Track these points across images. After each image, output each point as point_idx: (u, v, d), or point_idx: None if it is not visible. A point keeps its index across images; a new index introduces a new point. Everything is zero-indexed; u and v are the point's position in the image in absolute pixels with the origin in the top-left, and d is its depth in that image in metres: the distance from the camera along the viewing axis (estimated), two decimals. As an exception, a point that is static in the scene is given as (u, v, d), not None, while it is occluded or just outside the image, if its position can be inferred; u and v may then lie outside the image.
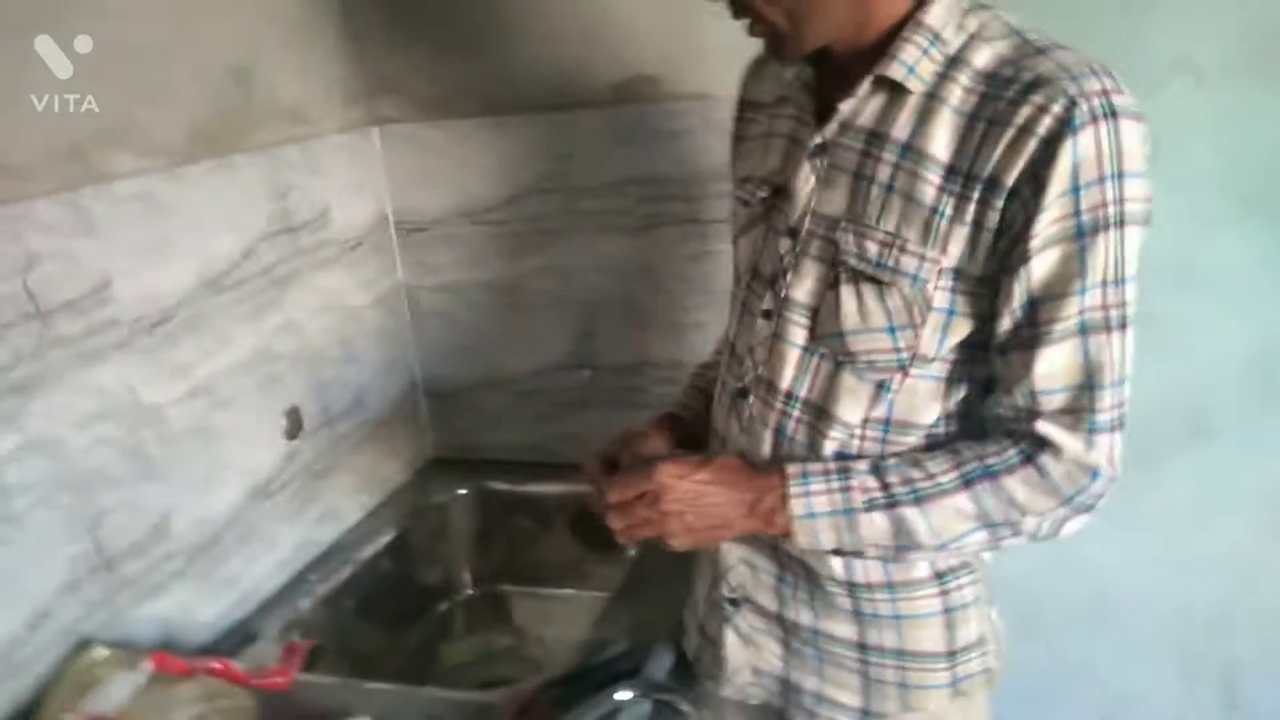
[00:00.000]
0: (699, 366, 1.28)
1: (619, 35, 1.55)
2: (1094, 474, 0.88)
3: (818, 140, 0.95)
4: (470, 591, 1.82)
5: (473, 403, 1.87)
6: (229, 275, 1.38)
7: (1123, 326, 0.86)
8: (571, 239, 1.69)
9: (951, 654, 1.04)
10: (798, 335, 0.98)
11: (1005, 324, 0.87)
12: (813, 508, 0.92)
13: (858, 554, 0.96)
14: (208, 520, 1.35)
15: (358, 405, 1.69)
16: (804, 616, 1.06)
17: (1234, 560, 1.59)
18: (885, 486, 0.91)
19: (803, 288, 0.97)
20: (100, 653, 1.11)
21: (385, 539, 1.66)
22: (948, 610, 1.03)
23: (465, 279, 1.78)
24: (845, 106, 0.92)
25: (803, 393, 0.98)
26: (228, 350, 1.39)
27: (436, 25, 1.63)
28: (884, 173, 0.90)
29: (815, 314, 0.96)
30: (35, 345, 1.10)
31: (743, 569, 1.10)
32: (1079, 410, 0.87)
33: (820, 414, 0.98)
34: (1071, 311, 0.84)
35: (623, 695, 1.08)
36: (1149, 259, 1.47)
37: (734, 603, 1.11)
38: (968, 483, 0.90)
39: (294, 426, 1.52)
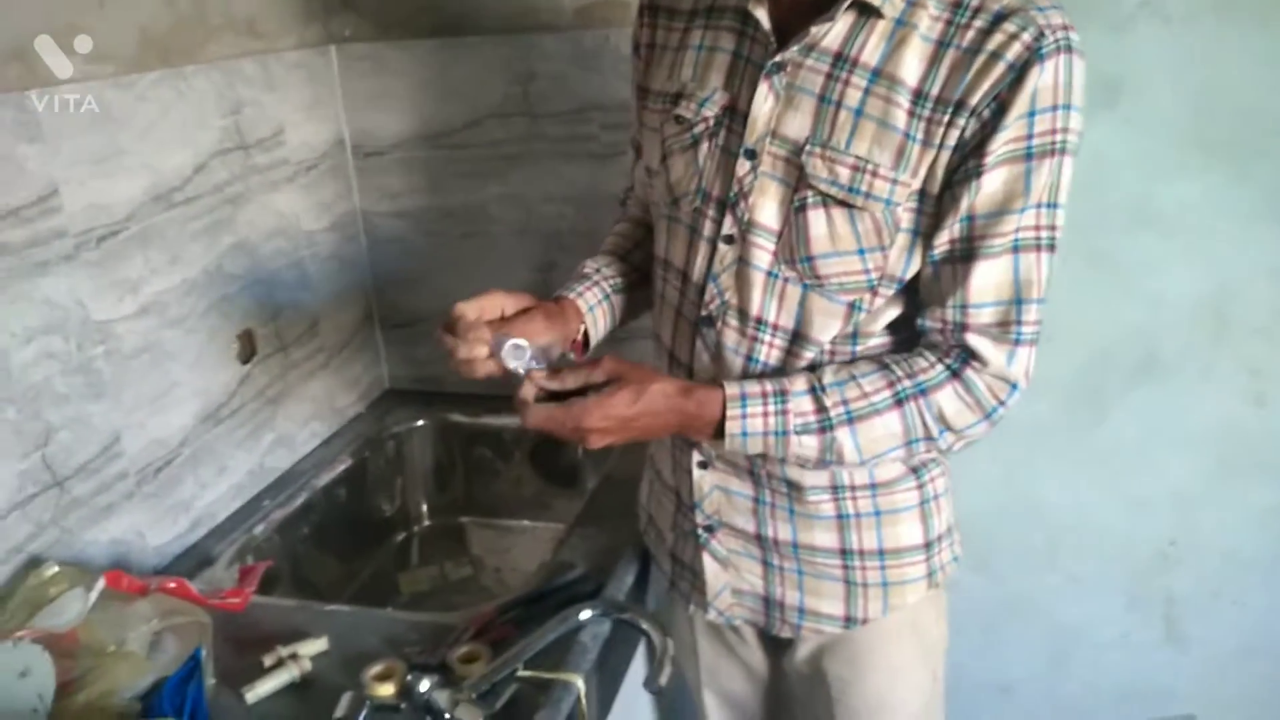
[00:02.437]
0: (590, 264, 1.18)
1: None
2: (1013, 387, 0.93)
3: (776, 59, 0.93)
4: (428, 523, 1.82)
5: (430, 333, 1.84)
6: (180, 190, 1.34)
7: (1051, 248, 0.91)
8: (533, 166, 1.66)
9: (928, 545, 1.09)
10: (762, 259, 0.97)
11: (943, 237, 0.91)
12: (746, 428, 0.94)
13: (780, 463, 0.99)
14: (159, 441, 1.32)
15: (312, 332, 1.66)
16: (783, 532, 1.08)
17: (1178, 497, 1.63)
18: (820, 409, 0.93)
19: (766, 211, 0.96)
20: (51, 570, 1.09)
21: (341, 468, 1.64)
22: (923, 503, 1.07)
23: (423, 205, 1.74)
24: (817, 27, 0.90)
25: (773, 318, 0.99)
26: (178, 268, 1.35)
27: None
28: (853, 97, 0.90)
29: (779, 237, 0.96)
30: (-23, 253, 1.06)
31: (716, 494, 1.10)
32: (1006, 324, 0.91)
33: (794, 338, 0.99)
34: (1010, 229, 0.88)
35: (584, 615, 1.08)
36: (1108, 198, 1.50)
37: (709, 529, 1.12)
38: (899, 401, 0.92)
39: (247, 350, 1.49)
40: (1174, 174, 1.46)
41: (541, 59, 1.59)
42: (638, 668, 1.34)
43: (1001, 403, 0.93)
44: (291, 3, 1.58)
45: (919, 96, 0.88)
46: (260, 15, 1.51)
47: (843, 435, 0.93)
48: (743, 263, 0.98)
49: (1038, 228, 0.89)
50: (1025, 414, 1.63)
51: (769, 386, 0.94)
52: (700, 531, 1.12)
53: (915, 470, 1.06)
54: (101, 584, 1.06)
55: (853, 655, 1.13)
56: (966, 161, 0.88)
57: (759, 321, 0.99)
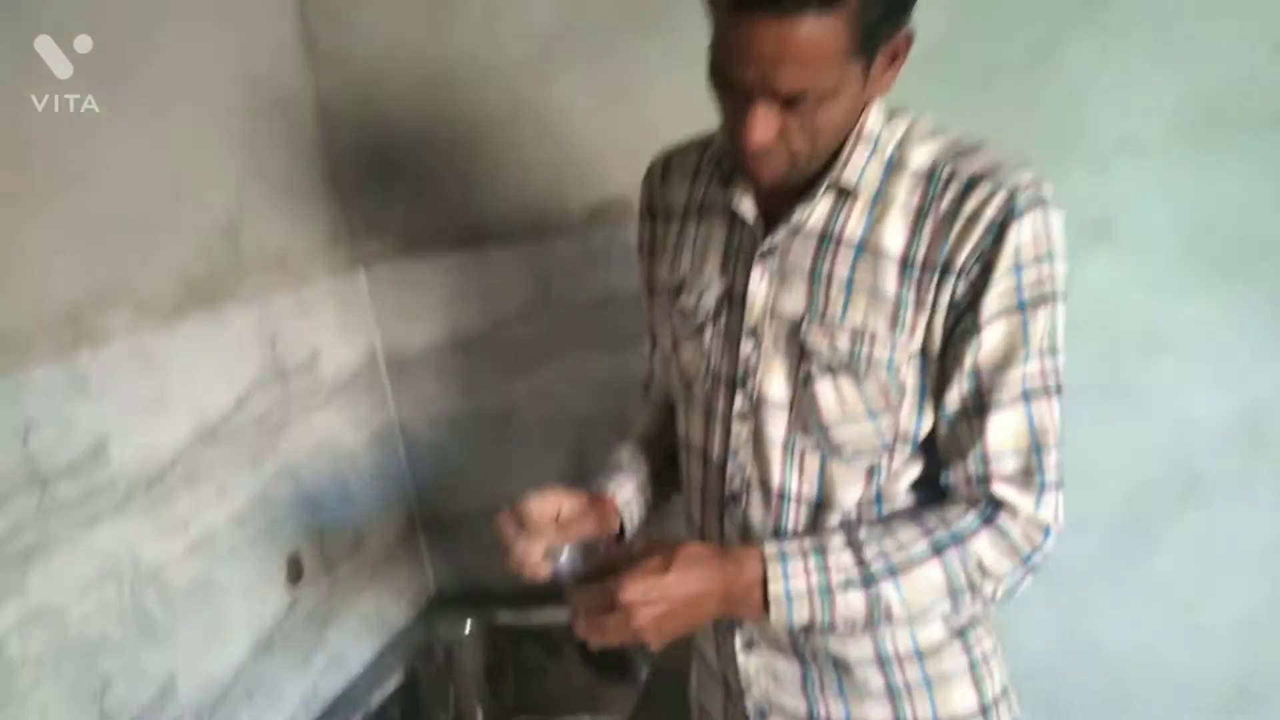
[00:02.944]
0: (622, 453, 1.19)
1: (589, 163, 1.61)
2: (1046, 531, 0.94)
3: (766, 244, 0.98)
4: (483, 730, 1.77)
5: (472, 533, 1.86)
6: (224, 425, 1.39)
7: (1058, 391, 0.93)
8: (558, 360, 1.71)
9: (984, 710, 1.05)
10: (777, 432, 1.00)
11: (953, 394, 0.93)
12: (790, 589, 0.92)
13: (828, 629, 0.96)
14: (213, 679, 1.32)
15: (357, 546, 1.67)
16: (835, 710, 1.05)
17: (1247, 625, 1.57)
18: (861, 563, 0.92)
19: (774, 385, 0.99)
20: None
21: (393, 684, 1.62)
22: (973, 666, 1.04)
23: (457, 409, 1.79)
24: (800, 212, 0.96)
25: (795, 489, 1.00)
26: (225, 501, 1.38)
27: (414, 167, 1.70)
28: (842, 270, 0.95)
29: (791, 409, 0.98)
30: (35, 513, 1.09)
31: (764, 679, 1.08)
32: (1029, 472, 0.93)
33: (819, 507, 1.00)
34: (1017, 379, 0.91)
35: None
36: (1119, 329, 1.52)
37: (761, 713, 1.09)
38: (937, 551, 0.92)
39: (295, 573, 1.50)
40: (1180, 297, 1.48)
41: (556, 260, 1.67)
42: None
43: (1037, 548, 0.93)
44: (319, 234, 1.68)
45: (906, 263, 0.92)
46: (291, 249, 1.60)
47: (888, 589, 0.91)
48: (758, 438, 1.00)
49: (1043, 374, 0.92)
50: (1075, 554, 1.61)
51: (807, 544, 0.93)
52: (752, 718, 1.09)
53: (960, 632, 1.04)
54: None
55: None
56: (962, 320, 0.91)
57: (782, 494, 1.01)
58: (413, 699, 1.66)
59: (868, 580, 0.91)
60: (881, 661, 1.02)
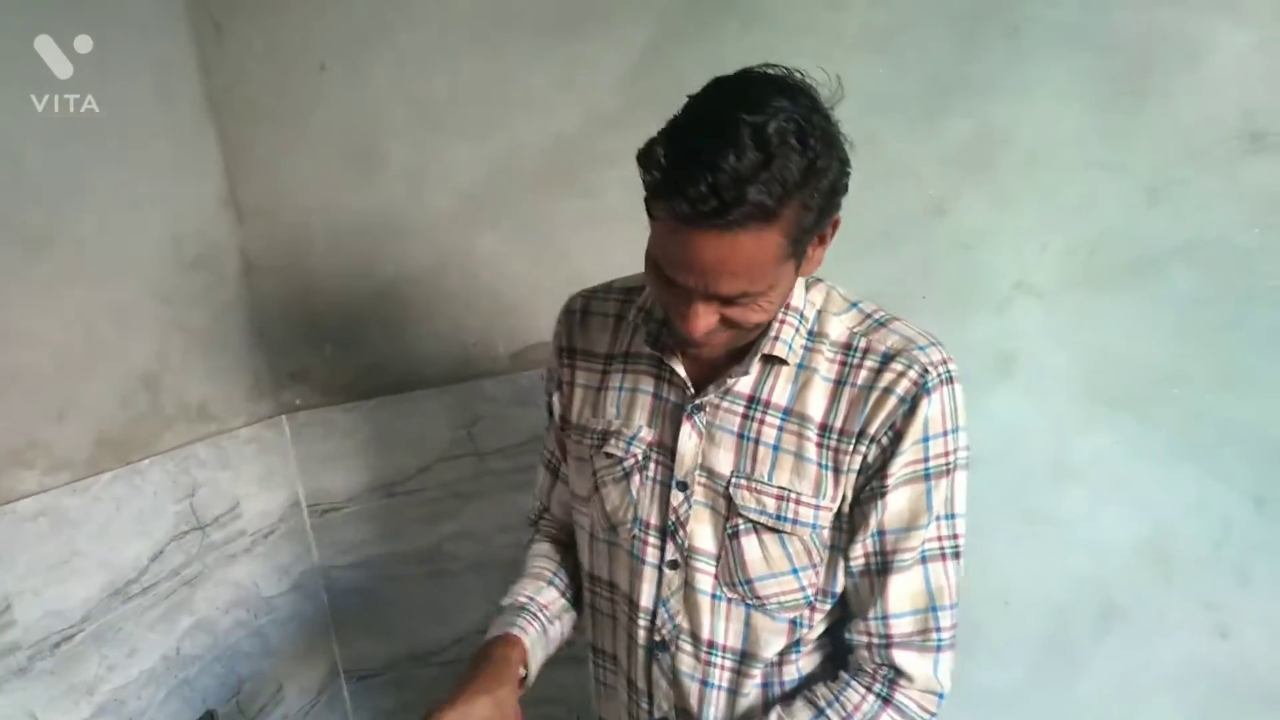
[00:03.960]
0: (522, 594, 1.18)
1: (516, 309, 1.66)
2: (940, 695, 0.99)
3: (697, 401, 1.02)
4: None
5: (398, 680, 1.81)
6: (136, 581, 1.36)
7: (955, 556, 0.99)
8: (483, 500, 1.71)
9: None
10: (705, 583, 1.02)
11: (857, 551, 0.98)
12: None
13: None
14: None
15: (276, 699, 1.62)
16: None
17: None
18: None
19: (703, 537, 1.02)
20: None
21: (313, 846, 1.55)
22: None
23: (381, 553, 1.77)
24: (734, 378, 1.00)
25: (722, 640, 1.03)
26: (135, 660, 1.34)
27: (340, 316, 1.72)
28: (769, 434, 0.99)
29: (719, 560, 1.02)
30: (-71, 685, 1.05)
31: None
32: (925, 631, 0.98)
33: (744, 657, 1.02)
34: (916, 543, 0.97)
35: None
36: (1027, 461, 1.58)
37: None
38: None
39: (209, 733, 1.45)
40: (1083, 429, 1.55)
41: (483, 402, 1.69)
42: None
43: (931, 714, 0.98)
44: (242, 384, 1.68)
45: (825, 430, 0.98)
46: (212, 398, 1.60)
47: None
48: (689, 587, 1.02)
49: (940, 538, 0.97)
50: (1000, 678, 1.62)
51: None
52: None
53: None
54: None
55: None
56: (871, 482, 0.97)
57: (710, 645, 1.03)
58: None
59: None
60: None
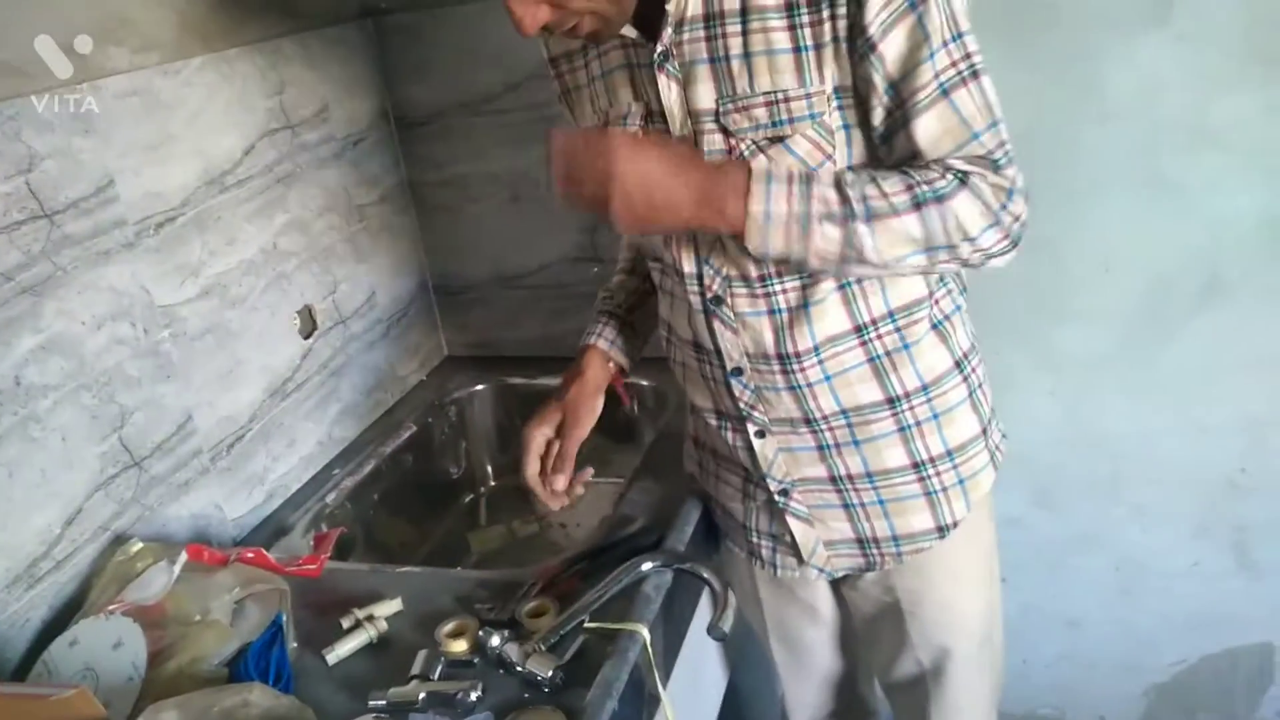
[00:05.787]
0: (602, 292, 1.31)
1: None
2: (1009, 191, 0.92)
3: (660, 50, 0.96)
4: (493, 483, 1.85)
5: (484, 299, 1.87)
6: (231, 173, 1.37)
7: (975, 76, 0.91)
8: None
9: (984, 431, 1.13)
10: None
11: (879, 116, 0.93)
12: (770, 207, 0.91)
13: (800, 265, 0.96)
14: (230, 418, 1.37)
15: (370, 304, 1.69)
16: (854, 466, 1.10)
17: (1248, 423, 1.60)
18: (844, 200, 0.91)
19: None
20: (136, 546, 1.14)
21: (406, 434, 1.68)
22: (971, 393, 1.11)
23: (469, 172, 1.75)
24: (671, 5, 0.94)
25: (772, 268, 1.02)
26: (235, 249, 1.38)
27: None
28: (735, 44, 0.94)
29: None
30: (44, 245, 1.10)
31: (782, 457, 1.12)
32: (976, 159, 0.92)
33: (794, 271, 1.01)
34: (930, 78, 0.89)
35: (645, 566, 1.11)
36: (1161, 118, 1.46)
37: (784, 492, 1.14)
38: (918, 204, 0.90)
39: (308, 325, 1.53)
40: (1231, 89, 1.41)
41: (576, 17, 1.58)
42: (702, 616, 1.36)
43: (1004, 206, 0.91)
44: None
45: (789, 9, 0.91)
46: (296, -9, 1.52)
47: (864, 230, 0.90)
48: (722, 236, 1.01)
49: (954, 63, 0.90)
50: (1085, 345, 1.61)
51: (795, 173, 0.93)
52: (777, 498, 1.14)
53: (958, 364, 1.09)
54: (184, 557, 1.11)
55: (920, 565, 1.16)
56: (855, 41, 0.90)
57: (762, 278, 1.02)
58: (425, 451, 1.72)
59: (848, 216, 0.90)
60: (891, 402, 1.06)
